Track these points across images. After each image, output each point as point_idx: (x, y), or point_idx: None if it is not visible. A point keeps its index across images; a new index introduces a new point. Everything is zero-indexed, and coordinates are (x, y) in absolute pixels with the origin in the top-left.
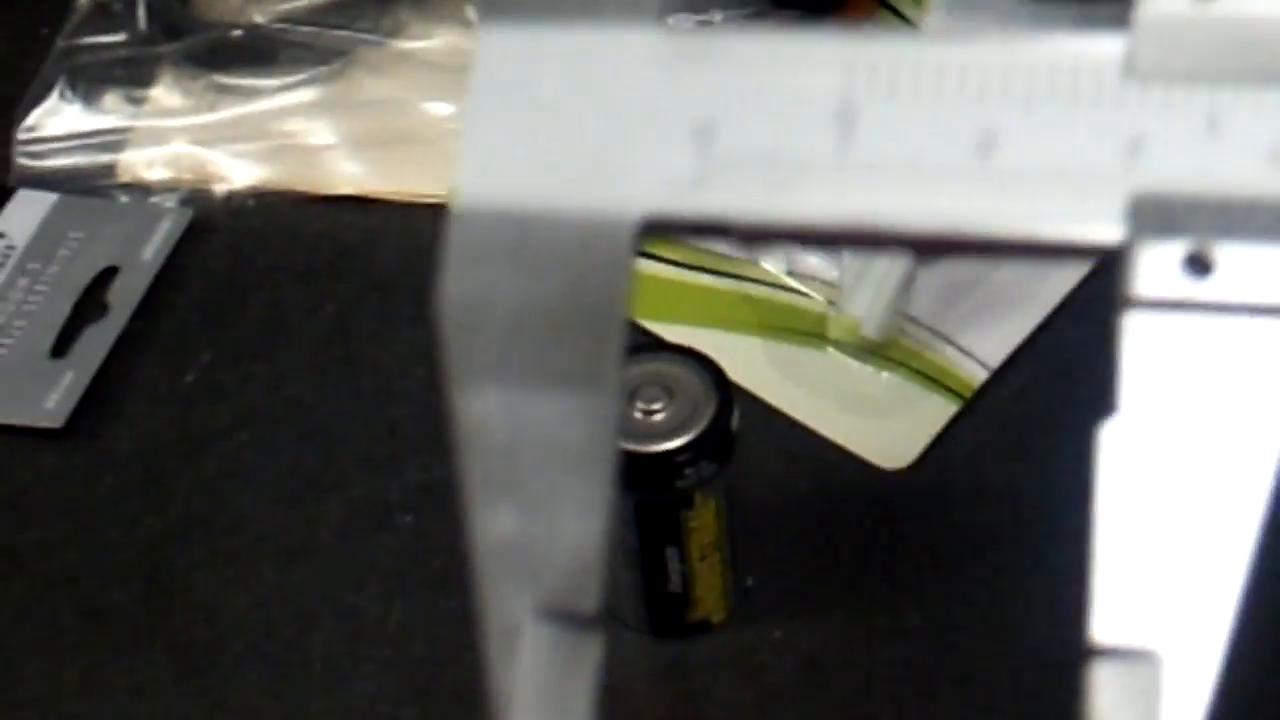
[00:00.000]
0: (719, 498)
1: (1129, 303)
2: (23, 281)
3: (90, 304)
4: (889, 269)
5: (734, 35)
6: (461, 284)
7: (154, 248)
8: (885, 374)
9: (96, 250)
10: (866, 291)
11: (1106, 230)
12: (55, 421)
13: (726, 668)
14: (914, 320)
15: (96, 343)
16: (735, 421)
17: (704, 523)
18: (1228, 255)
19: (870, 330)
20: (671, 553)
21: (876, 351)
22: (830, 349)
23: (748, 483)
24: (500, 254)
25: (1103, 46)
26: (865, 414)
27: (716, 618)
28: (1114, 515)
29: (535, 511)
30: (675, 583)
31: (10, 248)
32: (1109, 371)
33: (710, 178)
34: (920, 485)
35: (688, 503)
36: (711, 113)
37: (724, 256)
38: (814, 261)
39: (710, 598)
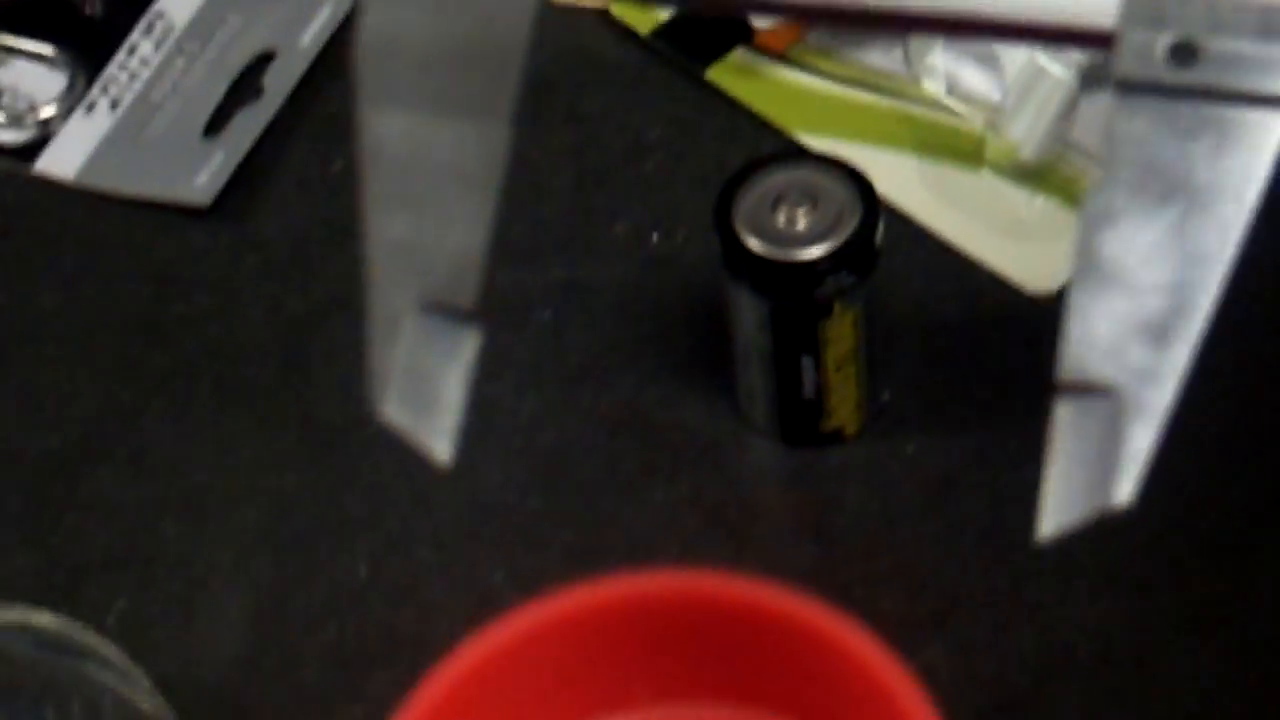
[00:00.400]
0: (858, 309)
1: (1118, 84)
2: (180, 62)
3: (245, 87)
4: (1051, 93)
5: None
6: (380, 19)
7: (312, 34)
8: (1040, 198)
9: (254, 34)
10: (1027, 115)
11: (1100, 20)
12: (203, 199)
13: (857, 480)
14: (1073, 146)
15: (248, 125)
16: (880, 235)
17: (841, 333)
18: (1213, 47)
19: (1028, 154)
20: (807, 362)
21: (1033, 175)
22: (986, 171)
23: (891, 299)
24: None
25: None
26: (1016, 237)
27: (849, 430)
28: (1087, 269)
29: (425, 221)
30: (809, 391)
31: (169, 28)
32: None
33: None
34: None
35: (826, 312)
36: None
37: (885, 74)
38: (975, 83)
39: (844, 409)
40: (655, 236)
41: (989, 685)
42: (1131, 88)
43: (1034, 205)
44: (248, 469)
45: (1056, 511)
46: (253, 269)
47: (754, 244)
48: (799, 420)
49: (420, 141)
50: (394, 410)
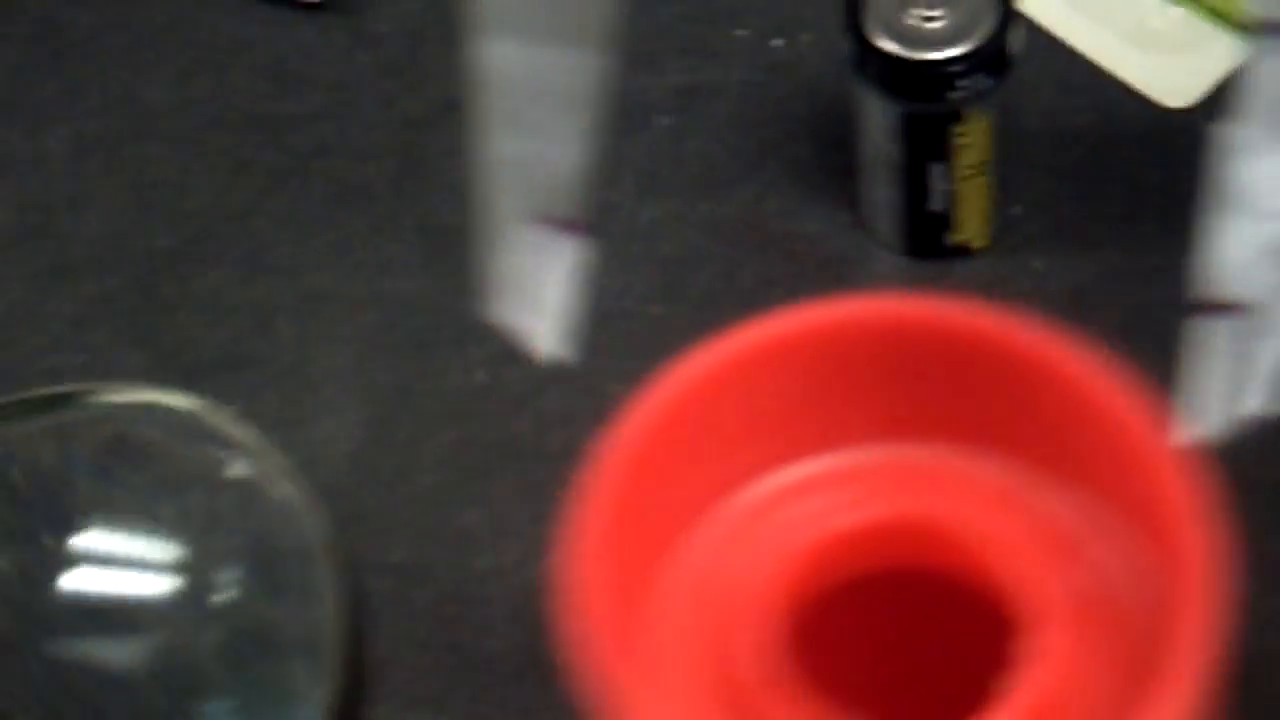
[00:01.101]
0: (991, 116)
1: (1254, 25)
2: None
3: None
4: None
5: None
6: None
7: None
8: (1177, 9)
9: None
10: None
11: None
12: None
13: (982, 295)
14: None
15: None
16: (1015, 40)
17: (973, 140)
18: None
19: None
20: (936, 170)
21: None
22: None
23: (1023, 111)
24: None
25: None
26: (1152, 49)
27: (977, 243)
28: (1222, 195)
29: (534, 140)
30: (937, 202)
31: None
32: None
33: None
34: (1202, 126)
35: (957, 117)
36: None
37: None
38: None
39: (972, 221)
40: (778, 41)
41: None
42: (1267, 28)
43: (1170, 15)
44: (364, 271)
45: (1193, 420)
46: (367, 67)
47: (886, 44)
48: (925, 232)
49: (528, 67)
50: (506, 312)
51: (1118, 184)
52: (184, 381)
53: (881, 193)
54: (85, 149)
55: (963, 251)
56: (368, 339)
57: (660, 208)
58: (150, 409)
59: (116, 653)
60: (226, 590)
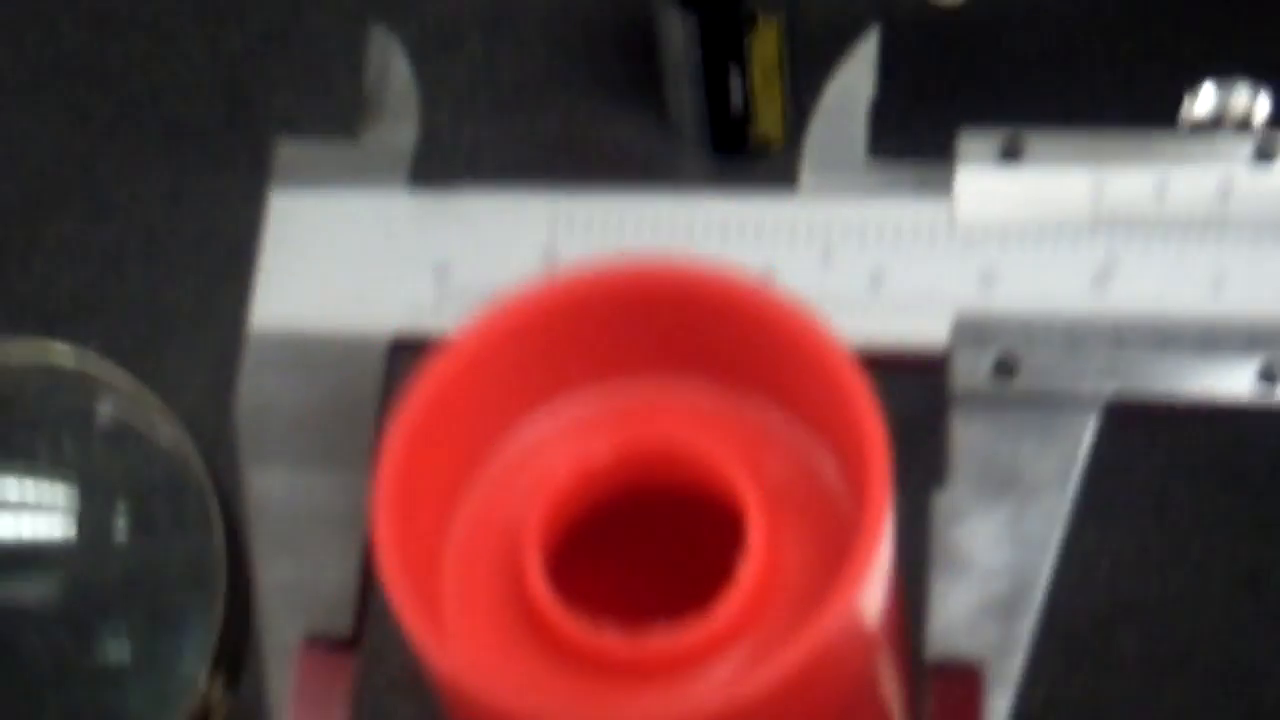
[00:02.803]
0: (781, 18)
1: (951, 396)
2: None
3: None
4: None
5: (465, 194)
6: (253, 391)
7: None
8: None
9: None
10: None
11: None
12: None
13: (785, 185)
14: None
15: None
16: None
17: (766, 44)
18: (1029, 360)
19: None
20: (734, 72)
21: None
22: None
23: (812, 8)
24: (284, 368)
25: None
26: None
27: (776, 140)
28: (942, 558)
29: (306, 560)
30: (736, 103)
31: None
32: None
33: (446, 304)
34: (980, 14)
35: (751, 21)
36: (448, 255)
37: None
38: None
39: (770, 119)
40: None
41: None
42: (965, 399)
43: None
44: (202, 209)
45: None
46: (188, 6)
47: None
48: (727, 131)
49: (295, 492)
50: None
51: (900, 79)
52: (40, 327)
53: (684, 97)
54: None
55: (763, 148)
56: (212, 273)
57: (479, 127)
58: (32, 361)
59: (26, 591)
60: (119, 527)
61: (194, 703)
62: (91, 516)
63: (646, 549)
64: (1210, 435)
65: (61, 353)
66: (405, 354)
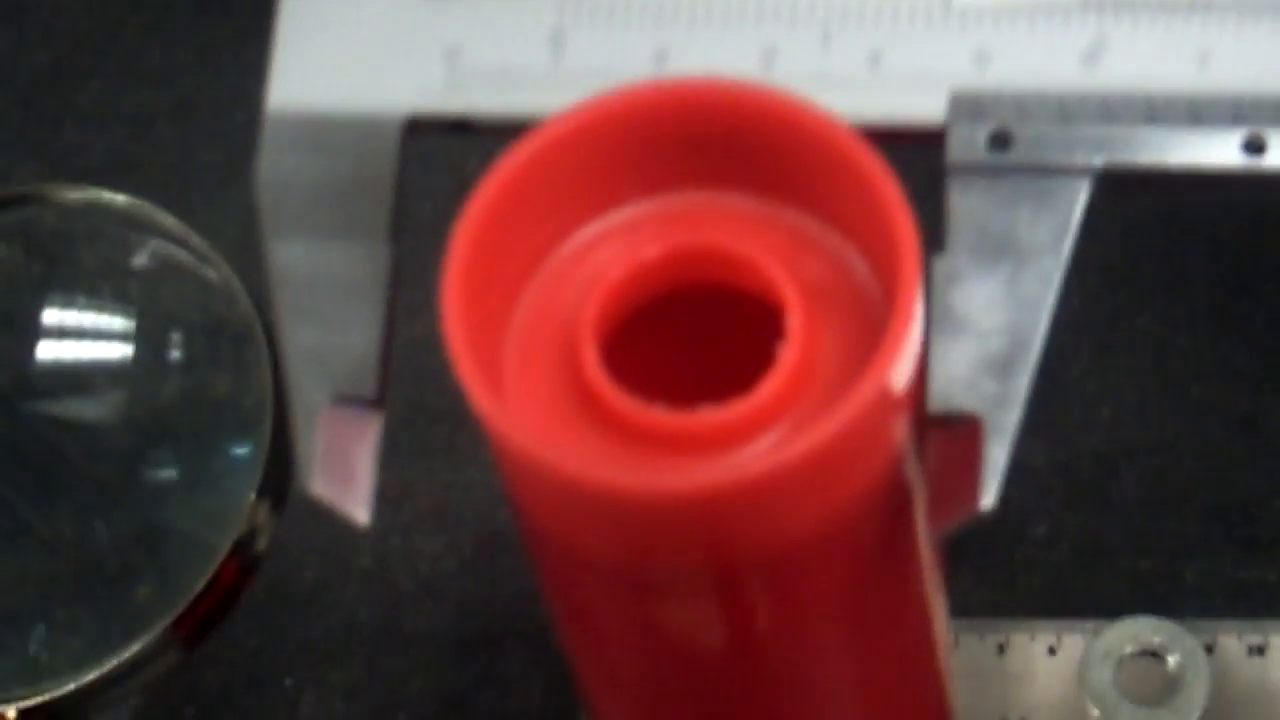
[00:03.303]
0: None
1: (949, 168)
2: None
3: None
4: None
5: None
6: (272, 168)
7: None
8: None
9: None
10: None
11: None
12: None
13: None
14: None
15: None
16: None
17: None
18: (1023, 133)
19: None
20: None
21: None
22: None
23: None
24: (302, 146)
25: None
26: None
27: None
28: (941, 320)
29: (329, 328)
30: None
31: None
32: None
33: (457, 85)
34: None
35: None
36: (457, 37)
37: None
38: None
39: None
40: None
41: None
42: (962, 170)
43: None
44: (230, 74)
45: (935, 520)
46: None
47: None
48: None
49: (317, 262)
50: (319, 487)
51: None
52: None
53: None
54: None
55: None
56: (240, 136)
57: None
58: (93, 205)
59: (84, 409)
60: (173, 355)
61: (241, 524)
62: (147, 343)
63: (692, 339)
64: (1209, 285)
65: (111, 197)
66: (418, 132)
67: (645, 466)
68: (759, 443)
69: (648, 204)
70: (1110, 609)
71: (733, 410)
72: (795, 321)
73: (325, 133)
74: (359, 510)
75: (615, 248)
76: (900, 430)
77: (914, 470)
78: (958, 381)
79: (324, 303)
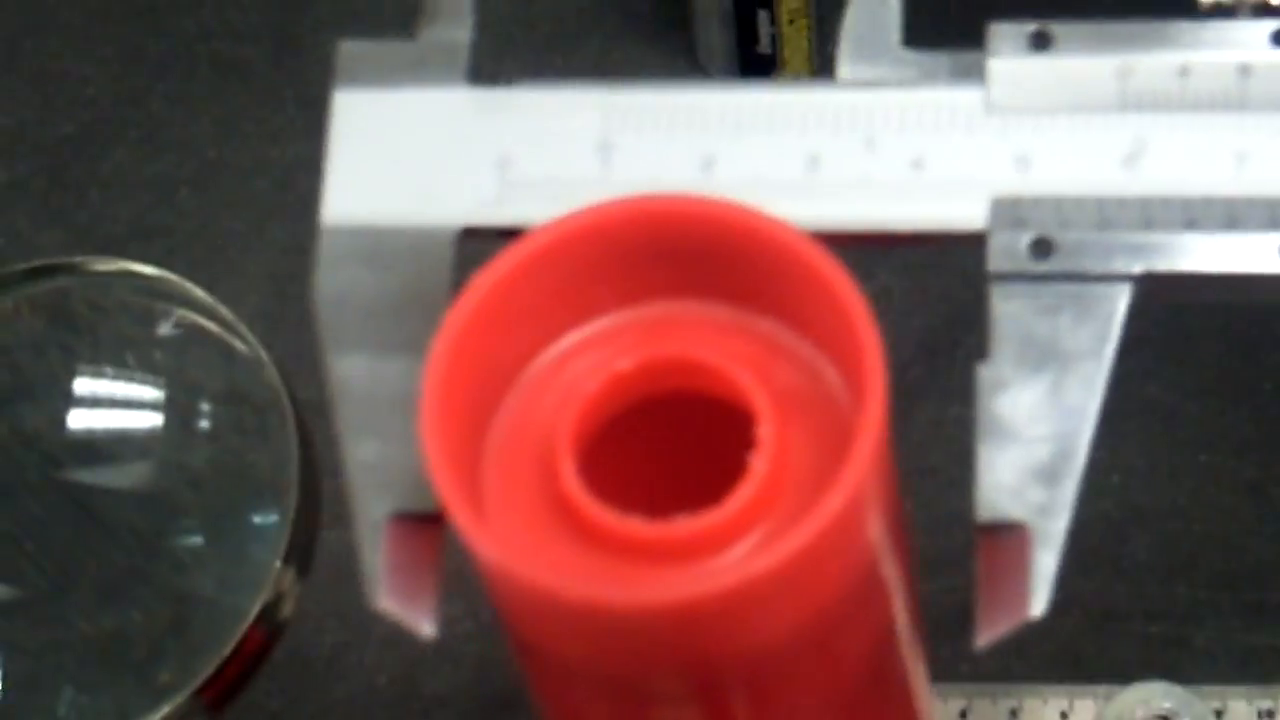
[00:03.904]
0: None
1: (991, 276)
2: None
3: None
4: None
5: (522, 88)
6: (330, 281)
7: None
8: None
9: None
10: None
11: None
12: None
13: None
14: None
15: None
16: None
17: None
18: (1063, 239)
19: None
20: (763, 16)
21: None
22: None
23: None
24: (358, 258)
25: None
26: None
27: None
28: (987, 427)
29: (388, 441)
30: (765, 44)
31: None
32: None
33: (508, 196)
34: None
35: None
36: (508, 148)
37: None
38: None
39: (796, 60)
40: None
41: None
42: (1004, 278)
43: None
44: (252, 142)
45: (986, 627)
46: None
47: None
48: (754, 72)
49: (376, 377)
50: (384, 602)
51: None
52: (100, 254)
53: (714, 39)
54: None
55: None
56: (262, 203)
57: (515, 64)
58: (122, 276)
59: (117, 478)
60: (202, 422)
61: (267, 591)
62: (175, 413)
63: (667, 444)
64: (1218, 354)
65: (139, 269)
66: (472, 243)
67: (623, 577)
68: (733, 550)
69: (625, 314)
70: (1121, 674)
71: (706, 520)
72: (766, 431)
73: (381, 245)
74: (425, 625)
75: (593, 358)
76: (872, 531)
77: (889, 564)
78: (1005, 490)
79: (384, 417)
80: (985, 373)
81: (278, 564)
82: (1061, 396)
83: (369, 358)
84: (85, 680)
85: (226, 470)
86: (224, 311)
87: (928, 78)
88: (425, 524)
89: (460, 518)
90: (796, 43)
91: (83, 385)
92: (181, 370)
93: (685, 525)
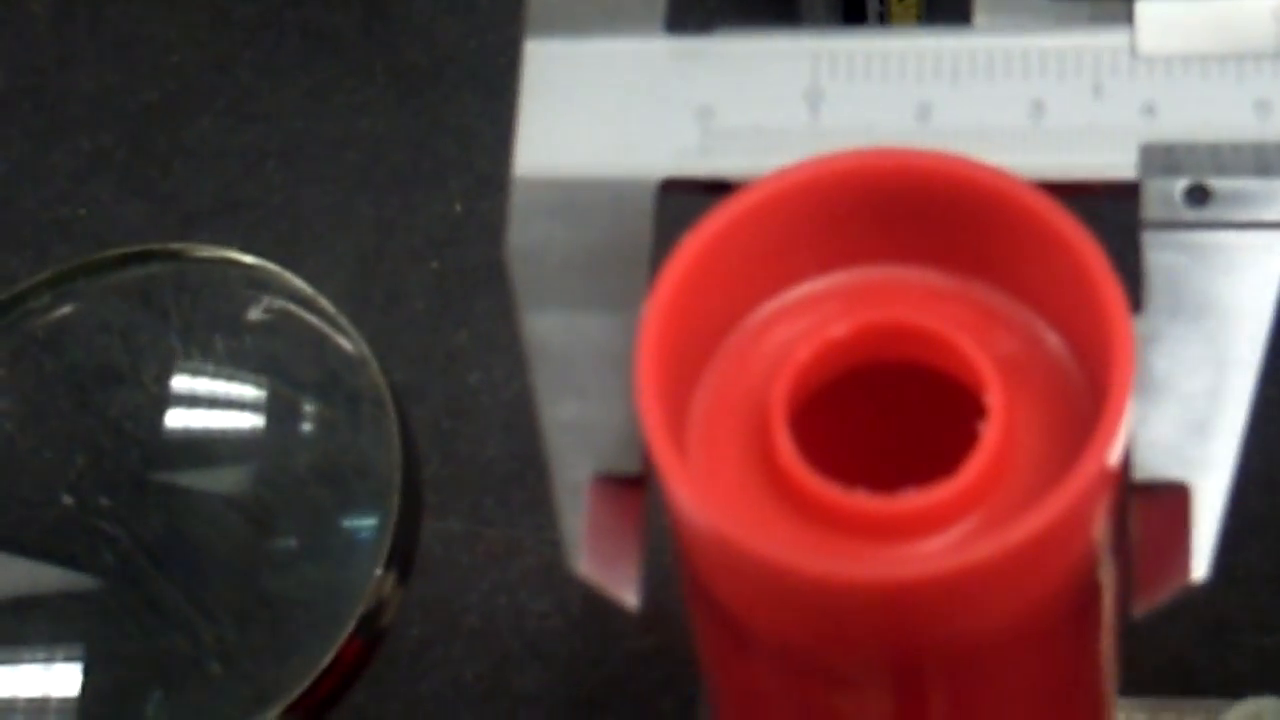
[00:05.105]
0: None
1: (1144, 224)
2: None
3: None
4: None
5: (723, 36)
6: (523, 236)
7: None
8: None
9: None
10: None
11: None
12: None
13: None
14: None
15: None
16: None
17: None
18: (1220, 186)
19: None
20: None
21: None
22: None
23: None
24: (552, 212)
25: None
26: None
27: None
28: (1146, 384)
29: (588, 400)
30: (873, 15)
31: None
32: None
33: (711, 147)
34: None
35: None
36: (709, 97)
37: None
38: None
39: (904, 10)
40: None
41: None
42: (1158, 226)
43: None
44: (341, 114)
45: (1144, 593)
46: None
47: None
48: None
49: (574, 334)
50: (586, 568)
51: None
52: (183, 227)
53: (821, 18)
54: (69, 11)
55: None
56: (350, 177)
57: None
58: (223, 264)
59: (214, 480)
60: (303, 424)
61: (368, 598)
62: (274, 413)
63: (871, 414)
64: None
65: (238, 257)
66: (673, 196)
67: (838, 551)
68: (956, 529)
69: (826, 280)
70: (1233, 687)
71: (935, 495)
72: (996, 400)
73: (576, 198)
74: (628, 592)
75: (798, 325)
76: (1101, 519)
77: (1108, 561)
78: (1161, 448)
79: (583, 375)
80: (1140, 326)
81: (379, 571)
82: (1220, 349)
83: (566, 315)
84: (174, 689)
85: (325, 471)
86: (325, 304)
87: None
88: (627, 486)
89: (672, 475)
90: (905, 14)
91: (179, 382)
92: (280, 365)
93: (912, 500)
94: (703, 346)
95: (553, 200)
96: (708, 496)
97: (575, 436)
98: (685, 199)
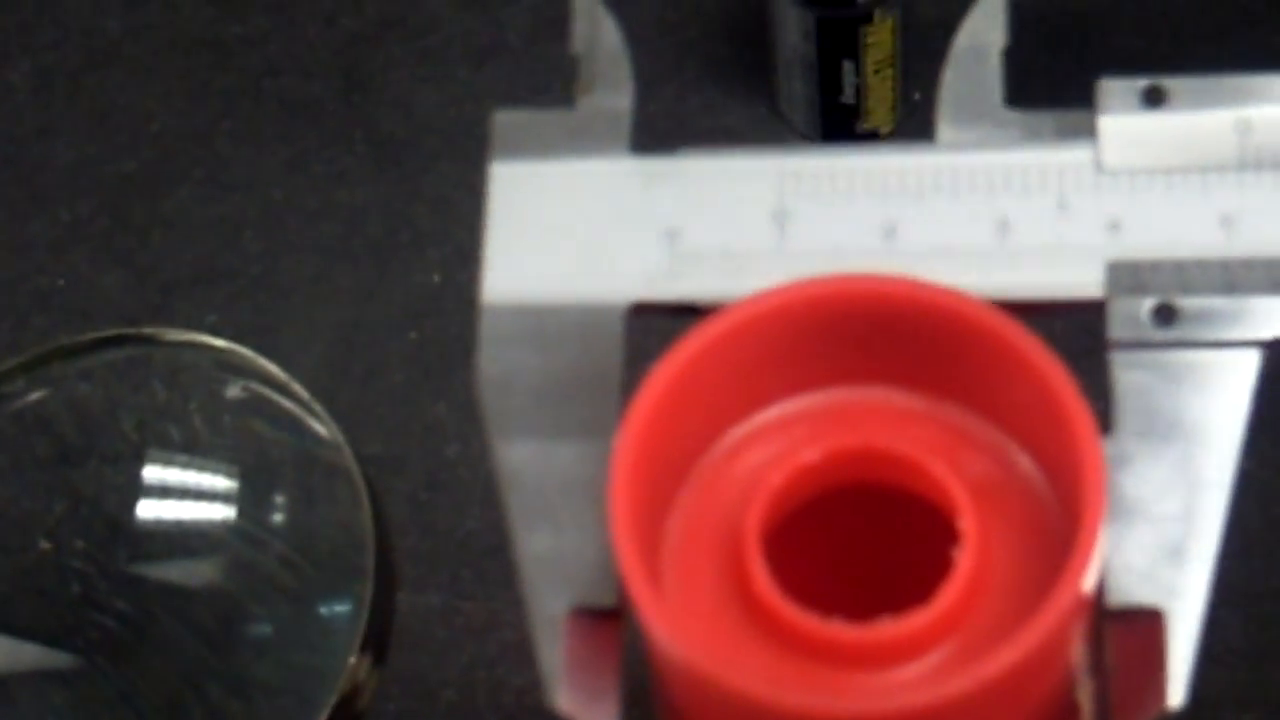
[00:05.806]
0: (897, 15)
1: (1111, 344)
2: None
3: None
4: None
5: (689, 156)
6: (492, 363)
7: None
8: None
9: None
10: None
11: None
12: None
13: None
14: None
15: None
16: None
17: (880, 38)
18: (1187, 305)
19: None
20: (848, 66)
21: None
22: None
23: (923, 5)
24: (521, 338)
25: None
26: None
27: (885, 129)
28: (1117, 507)
29: (562, 532)
30: (849, 94)
31: None
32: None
33: (679, 269)
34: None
35: (867, 18)
36: (676, 219)
37: None
38: None
39: (880, 109)
40: None
41: None
42: (1126, 346)
43: None
44: (319, 184)
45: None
46: None
47: None
48: (837, 122)
49: (546, 464)
50: (564, 702)
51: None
52: (161, 297)
53: (797, 88)
54: (47, 81)
55: (872, 136)
56: (329, 247)
57: None
58: (195, 348)
59: (188, 569)
60: (274, 511)
61: (344, 683)
62: (250, 497)
63: (846, 536)
64: None
65: (211, 341)
66: (642, 318)
67: (816, 682)
68: (933, 655)
69: (797, 402)
70: None
71: (911, 623)
72: (969, 525)
73: (545, 324)
74: None
75: (769, 449)
76: (1077, 644)
77: (1085, 681)
78: (1135, 573)
79: (556, 506)
80: (1110, 448)
81: (354, 656)
82: (1192, 470)
83: (538, 443)
84: None
85: (299, 556)
86: (298, 388)
87: (1033, 137)
88: (603, 619)
89: (647, 608)
90: (881, 93)
91: (151, 471)
92: (252, 449)
93: (887, 629)
94: (675, 472)
95: (522, 327)
96: (683, 628)
97: (550, 569)
98: (654, 321)
